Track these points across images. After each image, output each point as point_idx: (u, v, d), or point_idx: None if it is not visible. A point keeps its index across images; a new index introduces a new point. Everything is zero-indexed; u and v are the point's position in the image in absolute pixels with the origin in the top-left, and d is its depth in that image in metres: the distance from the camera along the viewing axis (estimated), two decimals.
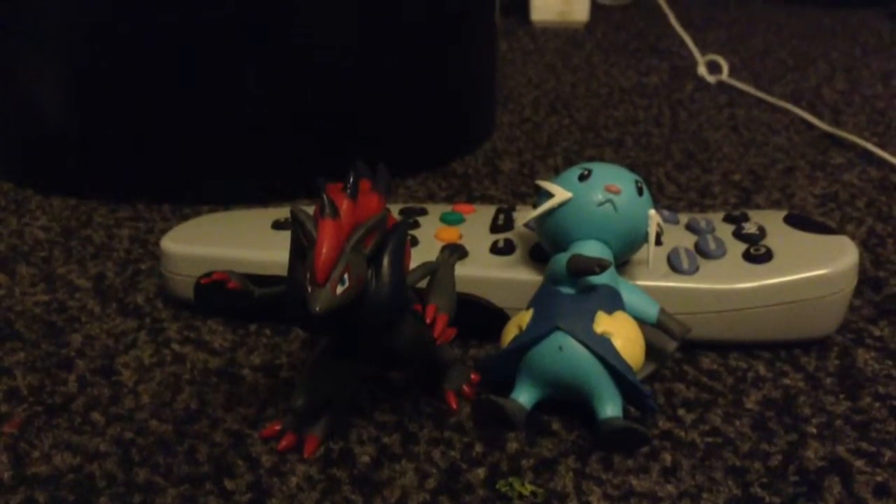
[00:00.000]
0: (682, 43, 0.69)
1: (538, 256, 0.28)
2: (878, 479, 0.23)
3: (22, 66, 0.41)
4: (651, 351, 0.26)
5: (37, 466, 0.24)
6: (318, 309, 0.20)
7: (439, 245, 0.29)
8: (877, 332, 0.30)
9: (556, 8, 0.82)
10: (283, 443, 0.24)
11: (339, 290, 0.20)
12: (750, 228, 0.30)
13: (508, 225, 0.31)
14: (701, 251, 0.29)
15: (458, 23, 0.45)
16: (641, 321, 0.26)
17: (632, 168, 0.28)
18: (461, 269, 0.27)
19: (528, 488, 0.23)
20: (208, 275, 0.24)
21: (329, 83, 0.40)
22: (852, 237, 0.37)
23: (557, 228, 0.26)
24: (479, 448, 0.24)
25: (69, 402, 0.26)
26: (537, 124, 0.53)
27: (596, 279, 0.25)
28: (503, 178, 0.44)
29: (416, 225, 0.31)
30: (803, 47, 0.73)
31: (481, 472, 0.23)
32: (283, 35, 0.39)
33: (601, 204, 0.26)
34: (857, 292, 0.32)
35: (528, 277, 0.28)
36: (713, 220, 0.31)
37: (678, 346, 0.27)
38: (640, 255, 0.27)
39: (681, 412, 0.26)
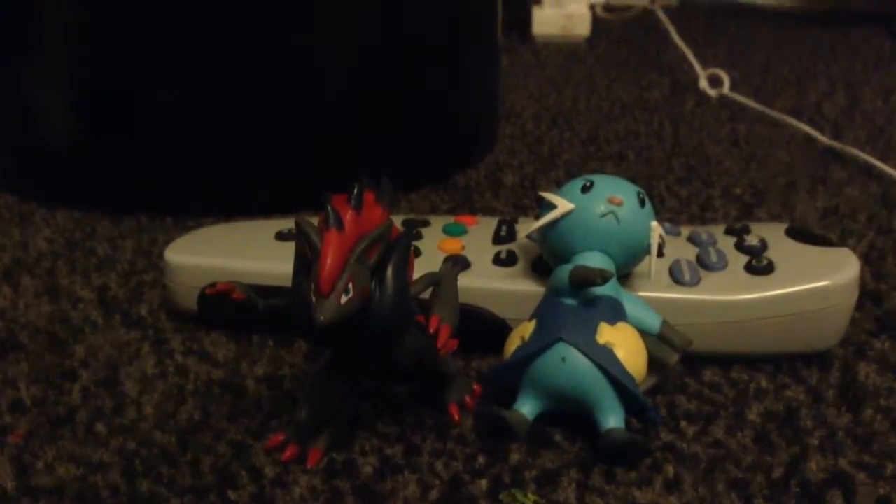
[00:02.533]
0: (684, 57, 0.69)
1: (540, 268, 0.29)
2: (881, 491, 0.23)
3: (26, 79, 0.41)
4: (653, 363, 0.26)
5: (40, 477, 0.24)
6: (322, 319, 0.20)
7: (442, 256, 0.29)
8: (878, 346, 0.30)
9: (558, 23, 0.83)
10: (287, 454, 0.24)
11: (344, 300, 0.20)
12: (751, 241, 0.30)
13: (511, 236, 0.31)
14: (703, 263, 0.29)
15: (461, 38, 0.46)
16: (644, 333, 0.26)
17: (633, 181, 0.29)
18: (464, 281, 0.28)
19: (530, 499, 0.23)
20: (213, 285, 0.24)
21: (333, 97, 0.41)
22: (853, 251, 0.37)
23: (560, 240, 0.26)
24: (481, 459, 0.24)
25: (73, 413, 0.26)
26: (539, 138, 0.53)
27: (598, 290, 0.25)
28: (505, 190, 0.44)
29: (419, 236, 0.31)
30: (804, 63, 0.74)
31: (484, 483, 0.23)
32: (287, 49, 0.39)
33: (603, 215, 0.26)
34: (859, 306, 0.32)
35: (531, 289, 0.28)
36: (715, 233, 0.31)
37: (680, 358, 0.27)
38: (642, 266, 0.28)
39: (683, 424, 0.26)
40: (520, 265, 0.29)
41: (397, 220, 0.32)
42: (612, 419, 0.24)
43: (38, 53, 0.40)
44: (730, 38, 0.85)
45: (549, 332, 0.25)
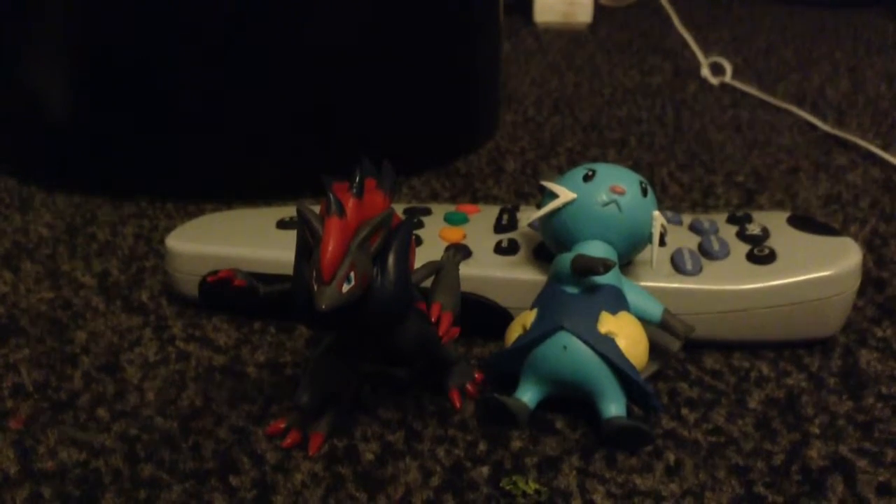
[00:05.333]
0: (686, 44, 0.69)
1: (542, 256, 0.29)
2: (881, 478, 0.23)
3: (26, 63, 0.41)
4: (655, 351, 0.26)
5: (42, 462, 0.24)
6: (323, 306, 0.20)
7: (443, 245, 0.29)
8: (880, 333, 0.30)
9: (560, 9, 0.82)
10: (288, 440, 0.24)
11: (345, 287, 0.20)
12: (753, 229, 0.30)
13: (512, 225, 0.31)
14: (704, 252, 0.29)
15: (462, 23, 0.45)
16: (645, 321, 0.26)
17: (635, 168, 0.29)
18: (465, 269, 0.28)
19: (531, 486, 0.23)
20: (214, 272, 0.24)
21: (334, 82, 0.40)
22: (855, 238, 0.37)
23: (562, 228, 0.26)
24: (482, 446, 0.24)
25: (74, 399, 0.26)
26: (540, 124, 0.53)
27: (600, 279, 0.25)
28: (507, 177, 0.44)
29: (421, 225, 0.31)
30: (806, 48, 0.73)
31: (485, 469, 0.23)
32: (289, 34, 0.39)
33: (605, 204, 0.26)
34: (861, 293, 0.32)
35: (532, 277, 0.28)
36: (717, 221, 0.31)
37: (682, 346, 0.27)
38: (643, 255, 0.28)
39: (684, 411, 0.26)
40: (521, 254, 0.29)
41: (399, 209, 0.32)
42: (614, 407, 0.24)
43: (39, 36, 0.40)
44: (732, 22, 0.84)
45: (550, 320, 0.25)
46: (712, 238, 0.29)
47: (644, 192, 0.26)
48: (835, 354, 0.29)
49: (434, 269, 0.25)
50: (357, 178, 0.21)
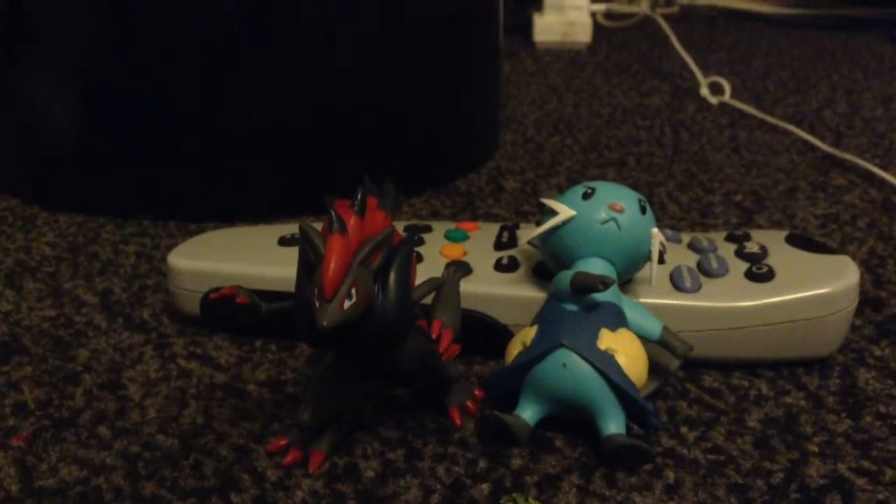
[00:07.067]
0: (685, 64, 0.69)
1: (542, 274, 0.29)
2: (879, 497, 0.23)
3: (29, 84, 0.41)
4: (654, 368, 0.26)
5: (44, 479, 0.24)
6: (325, 324, 0.20)
7: (444, 262, 0.30)
8: (878, 352, 0.30)
9: (559, 29, 0.83)
10: (289, 457, 0.24)
11: (347, 305, 0.20)
12: (752, 248, 0.30)
13: (512, 242, 0.31)
14: (703, 270, 0.29)
15: (462, 44, 0.46)
16: (645, 338, 0.26)
17: (634, 188, 0.29)
18: (466, 286, 0.28)
19: None
20: (217, 289, 0.24)
21: (335, 102, 0.41)
22: (853, 257, 0.37)
23: (561, 246, 0.27)
24: (483, 464, 0.24)
25: (76, 416, 0.27)
26: (540, 144, 0.53)
27: (599, 296, 0.25)
28: (507, 196, 0.45)
29: (421, 242, 0.31)
30: (805, 70, 0.74)
31: (485, 487, 0.23)
32: (290, 55, 0.39)
33: (605, 222, 0.26)
34: (859, 312, 0.32)
35: (532, 294, 0.28)
36: (715, 240, 0.31)
37: (681, 364, 0.27)
38: (643, 273, 0.28)
39: (683, 430, 0.26)
40: (521, 271, 0.29)
41: (399, 226, 0.32)
42: (613, 424, 0.24)
43: (42, 57, 0.40)
44: (730, 44, 0.85)
45: (550, 337, 0.25)
46: (711, 256, 0.29)
47: (643, 210, 0.27)
48: (833, 373, 0.29)
49: (435, 286, 0.26)
50: (359, 197, 0.22)
